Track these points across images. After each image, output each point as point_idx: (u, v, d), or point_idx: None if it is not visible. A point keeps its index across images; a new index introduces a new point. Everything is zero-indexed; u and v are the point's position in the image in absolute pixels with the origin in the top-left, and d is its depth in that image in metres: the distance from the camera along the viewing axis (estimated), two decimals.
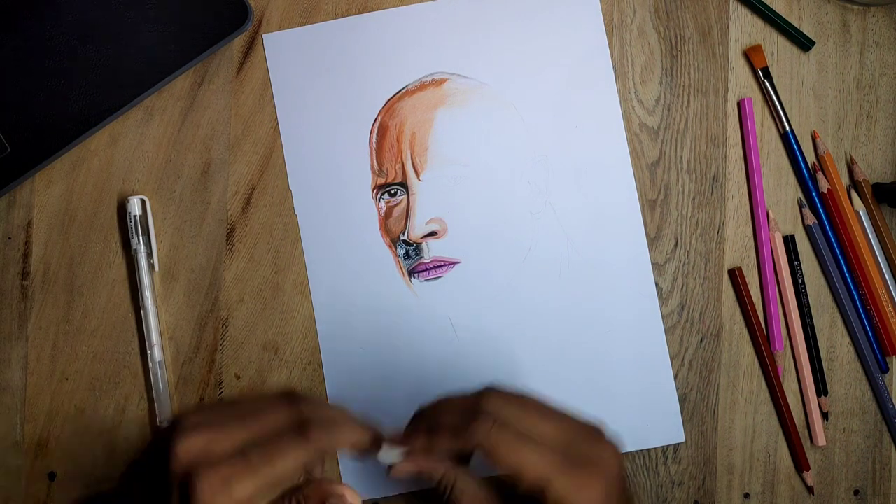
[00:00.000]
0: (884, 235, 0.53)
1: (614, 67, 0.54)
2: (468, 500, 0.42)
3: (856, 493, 0.53)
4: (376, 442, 0.41)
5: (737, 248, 0.54)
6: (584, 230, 0.54)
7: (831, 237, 0.54)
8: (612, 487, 0.40)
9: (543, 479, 0.39)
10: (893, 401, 0.53)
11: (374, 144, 0.54)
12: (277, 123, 0.54)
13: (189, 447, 0.37)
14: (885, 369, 0.53)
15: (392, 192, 0.54)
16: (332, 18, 0.54)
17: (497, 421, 0.40)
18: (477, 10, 0.54)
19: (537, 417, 0.41)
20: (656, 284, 0.54)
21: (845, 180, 0.54)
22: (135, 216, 0.53)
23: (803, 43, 0.54)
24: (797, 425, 0.53)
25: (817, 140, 0.54)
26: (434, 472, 0.43)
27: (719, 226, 0.54)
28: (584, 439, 0.41)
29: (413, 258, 0.54)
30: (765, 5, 0.54)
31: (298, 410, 0.39)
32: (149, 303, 0.52)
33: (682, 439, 0.53)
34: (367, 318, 0.54)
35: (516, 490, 0.40)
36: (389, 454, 0.42)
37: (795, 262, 0.54)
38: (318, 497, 0.39)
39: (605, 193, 0.54)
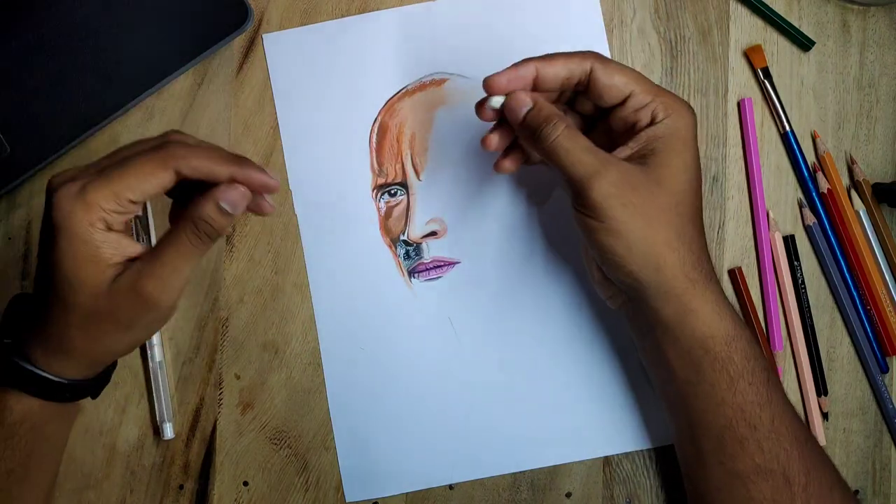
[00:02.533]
0: (884, 235, 0.53)
1: None
2: (584, 140, 0.43)
3: (856, 493, 0.53)
4: (239, 174, 0.40)
5: (737, 248, 0.54)
6: None
7: (831, 237, 0.54)
8: (694, 123, 0.45)
9: (653, 88, 0.44)
10: (893, 401, 0.53)
11: (374, 144, 0.54)
12: (277, 123, 0.54)
13: (60, 177, 0.40)
14: (885, 369, 0.53)
15: (392, 192, 0.54)
16: (332, 18, 0.54)
17: (601, 54, 0.44)
18: (477, 10, 0.54)
19: None
20: None
21: (845, 180, 0.54)
22: (135, 217, 0.53)
23: (803, 43, 0.54)
24: None
25: (817, 140, 0.54)
26: (549, 105, 0.44)
27: (719, 226, 0.54)
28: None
29: (413, 258, 0.54)
30: (765, 5, 0.54)
31: (164, 139, 0.41)
32: None
33: None
34: (367, 318, 0.54)
35: (617, 115, 0.44)
36: (498, 100, 0.44)
37: (795, 262, 0.54)
38: (208, 205, 0.40)
39: None
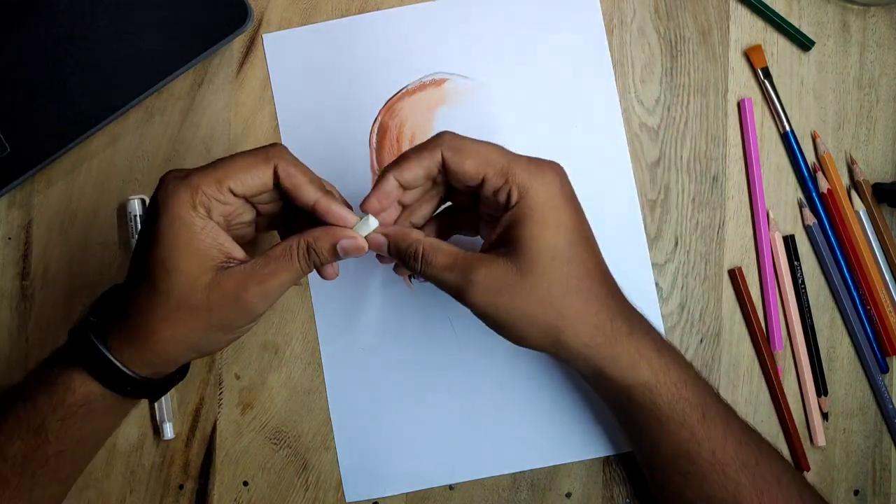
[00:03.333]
0: (884, 235, 0.53)
1: (614, 67, 0.54)
2: (442, 257, 0.43)
3: (856, 493, 0.53)
4: (331, 199, 0.42)
5: (737, 248, 0.54)
6: None
7: (831, 237, 0.54)
8: (566, 179, 0.44)
9: (505, 168, 0.42)
10: (893, 401, 0.53)
11: (375, 144, 0.54)
12: (277, 123, 0.54)
13: (173, 173, 0.42)
14: (885, 369, 0.53)
15: None
16: (332, 18, 0.54)
17: (455, 135, 0.43)
18: (477, 10, 0.54)
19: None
20: (656, 284, 0.54)
21: (845, 180, 0.54)
22: (135, 216, 0.53)
23: (803, 43, 0.54)
24: (797, 425, 0.53)
25: (817, 140, 0.54)
26: (404, 238, 0.43)
27: (719, 226, 0.54)
28: (528, 157, 0.44)
29: None
30: (765, 5, 0.54)
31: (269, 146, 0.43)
32: None
33: None
34: (367, 318, 0.54)
35: (481, 195, 0.43)
36: (364, 224, 0.43)
37: (795, 262, 0.54)
38: (328, 239, 0.42)
39: (605, 193, 0.54)
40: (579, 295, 0.43)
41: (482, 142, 0.43)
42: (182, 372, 0.47)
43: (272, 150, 0.42)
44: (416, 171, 0.43)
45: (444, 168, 0.43)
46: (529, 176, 0.42)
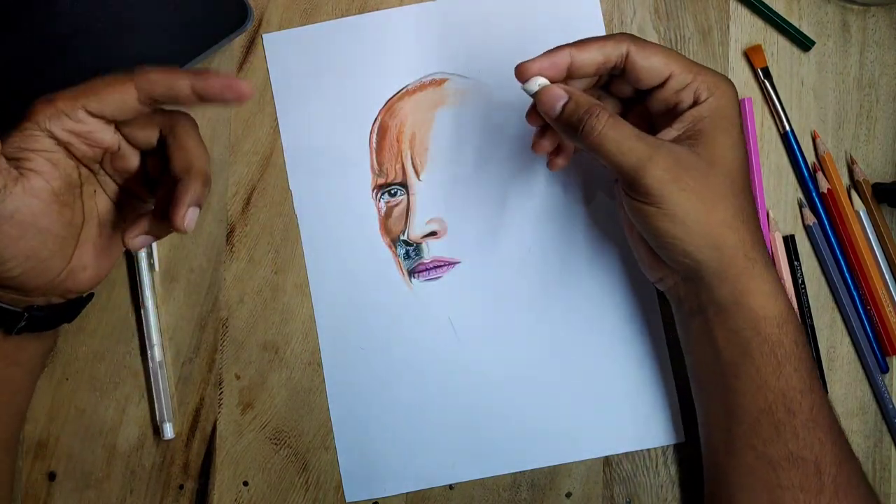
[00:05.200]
0: (884, 235, 0.53)
1: None
2: (627, 127, 0.42)
3: None
4: (206, 88, 0.40)
5: None
6: (585, 230, 0.54)
7: (831, 237, 0.54)
8: (737, 99, 0.44)
9: (692, 67, 0.43)
10: (893, 401, 0.53)
11: (374, 144, 0.54)
12: (277, 123, 0.54)
13: (46, 95, 0.42)
14: (885, 369, 0.53)
15: (392, 192, 0.54)
16: (332, 18, 0.54)
17: (634, 35, 0.44)
18: (477, 10, 0.54)
19: None
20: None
21: (845, 180, 0.54)
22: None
23: (803, 43, 0.54)
24: None
25: (817, 140, 0.54)
26: (587, 99, 0.42)
27: None
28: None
29: (413, 258, 0.54)
30: (765, 5, 0.54)
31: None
32: (149, 303, 0.52)
33: (683, 439, 0.53)
34: (367, 318, 0.54)
35: (657, 96, 0.44)
36: (532, 83, 0.42)
37: (795, 262, 0.54)
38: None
39: (605, 193, 0.54)
40: (750, 201, 0.43)
41: (657, 44, 0.44)
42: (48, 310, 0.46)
43: (133, 70, 0.41)
44: (595, 55, 0.42)
45: (627, 63, 0.42)
46: (715, 78, 0.43)
